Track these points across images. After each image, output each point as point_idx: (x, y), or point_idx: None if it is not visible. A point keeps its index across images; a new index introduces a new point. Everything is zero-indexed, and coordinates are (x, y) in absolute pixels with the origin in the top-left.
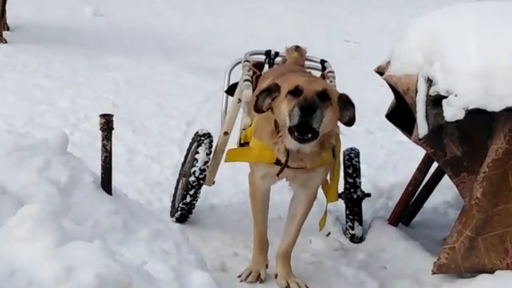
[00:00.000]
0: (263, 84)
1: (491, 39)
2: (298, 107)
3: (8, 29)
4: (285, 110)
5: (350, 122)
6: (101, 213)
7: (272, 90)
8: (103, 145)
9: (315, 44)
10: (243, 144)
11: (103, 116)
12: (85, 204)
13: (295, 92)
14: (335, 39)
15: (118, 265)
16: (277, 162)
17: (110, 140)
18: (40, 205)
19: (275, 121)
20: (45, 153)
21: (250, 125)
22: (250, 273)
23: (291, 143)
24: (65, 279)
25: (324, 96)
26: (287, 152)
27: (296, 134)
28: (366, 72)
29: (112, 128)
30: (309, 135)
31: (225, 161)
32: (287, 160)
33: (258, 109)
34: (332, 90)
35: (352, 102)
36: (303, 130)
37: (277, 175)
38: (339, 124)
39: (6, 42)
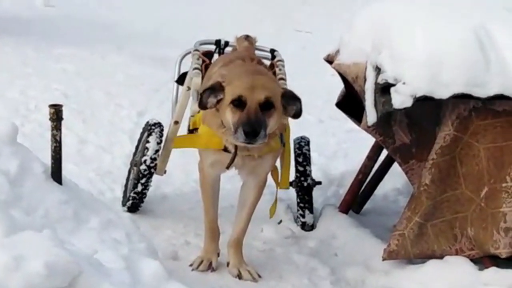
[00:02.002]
0: (212, 71)
1: (438, 27)
2: (242, 130)
3: None
4: (229, 119)
5: (296, 115)
6: (51, 203)
7: (216, 90)
8: (53, 135)
9: (266, 34)
10: (192, 130)
11: (52, 106)
12: (35, 194)
13: (238, 102)
14: (286, 29)
15: (67, 254)
16: (225, 149)
17: (60, 130)
18: None
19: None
20: None
21: (199, 112)
22: (201, 262)
23: (234, 141)
24: (14, 268)
25: (267, 105)
26: (235, 146)
27: (243, 140)
28: (317, 61)
29: (62, 118)
30: (256, 139)
31: (173, 147)
32: (235, 152)
33: (202, 106)
34: (274, 93)
35: (296, 97)
36: (250, 139)
37: (227, 168)
38: None
39: None
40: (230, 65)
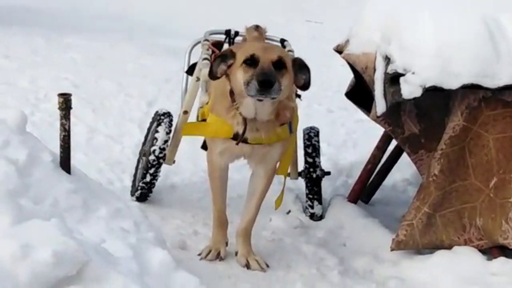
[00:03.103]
0: None
1: (448, 18)
2: (257, 81)
3: None
4: (241, 79)
5: (305, 86)
6: (60, 192)
7: (227, 57)
8: (62, 124)
9: (276, 24)
10: (201, 121)
11: (61, 95)
12: (43, 183)
13: (251, 61)
14: (296, 19)
15: (75, 243)
16: (234, 137)
17: (69, 119)
18: None
19: (231, 91)
20: (3, 132)
21: (207, 103)
22: (210, 251)
23: (249, 107)
24: (22, 257)
25: (279, 64)
26: (245, 122)
27: (256, 92)
28: (327, 52)
29: (71, 107)
30: (270, 92)
31: (182, 134)
32: (245, 129)
33: (212, 75)
34: (286, 56)
35: (307, 66)
36: (264, 89)
37: (237, 144)
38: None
39: None
40: (236, 46)
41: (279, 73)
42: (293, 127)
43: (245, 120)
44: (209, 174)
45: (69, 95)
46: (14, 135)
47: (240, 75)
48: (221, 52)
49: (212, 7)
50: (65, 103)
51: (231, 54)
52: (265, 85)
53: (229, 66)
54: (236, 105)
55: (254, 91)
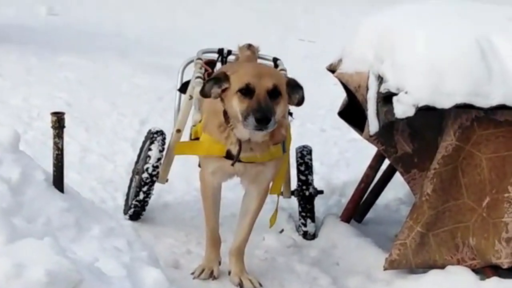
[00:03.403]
0: None
1: (440, 38)
2: (254, 118)
3: None
4: (237, 108)
5: (299, 103)
6: (53, 211)
7: (221, 80)
8: (55, 143)
9: (268, 43)
10: (193, 140)
11: (54, 114)
12: (36, 202)
13: (246, 90)
14: (289, 38)
15: (68, 262)
16: (227, 156)
17: (62, 138)
18: None
19: (224, 111)
20: None
21: (200, 121)
22: (203, 270)
23: (243, 132)
24: (15, 276)
25: (275, 92)
26: (239, 143)
27: (254, 127)
28: (320, 70)
29: (64, 126)
30: (267, 126)
31: (174, 153)
32: (239, 150)
33: (204, 94)
34: (281, 81)
35: (300, 85)
36: (262, 125)
37: (232, 165)
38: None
39: None
40: (228, 67)
41: (274, 101)
42: (286, 146)
43: (239, 141)
44: (202, 193)
45: (62, 113)
46: (7, 153)
47: (235, 104)
48: (214, 74)
49: (205, 26)
50: (58, 122)
51: (225, 77)
52: (263, 122)
53: (223, 90)
54: (230, 126)
55: (251, 126)
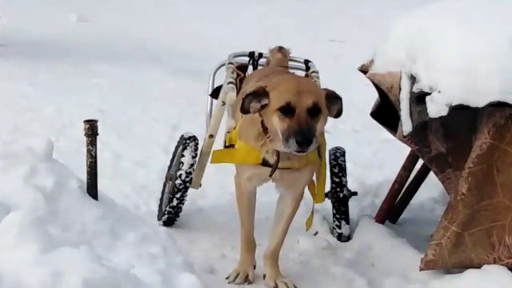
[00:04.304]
0: (247, 86)
1: (473, 36)
2: (295, 141)
3: None
4: (277, 127)
5: (338, 114)
6: (88, 219)
7: (260, 95)
8: (88, 151)
9: (299, 45)
10: (228, 146)
11: (87, 121)
12: (71, 210)
13: (287, 109)
14: (319, 39)
15: (105, 270)
16: (263, 163)
17: (95, 145)
18: (25, 212)
19: (262, 123)
20: (31, 160)
21: (235, 128)
22: (238, 275)
23: (283, 149)
24: (52, 285)
25: (315, 110)
26: (277, 152)
27: (296, 149)
28: (351, 71)
29: (97, 134)
30: (309, 148)
31: (211, 162)
32: (278, 160)
33: (244, 110)
34: (320, 97)
35: (338, 96)
36: (303, 148)
37: (270, 175)
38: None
39: None
40: (265, 79)
41: (314, 119)
42: (322, 151)
43: (277, 152)
44: (237, 198)
45: (95, 121)
46: (41, 162)
47: (275, 122)
48: (253, 90)
49: (235, 29)
50: (91, 129)
51: (264, 93)
52: (304, 145)
53: (263, 107)
54: (269, 138)
55: (293, 148)
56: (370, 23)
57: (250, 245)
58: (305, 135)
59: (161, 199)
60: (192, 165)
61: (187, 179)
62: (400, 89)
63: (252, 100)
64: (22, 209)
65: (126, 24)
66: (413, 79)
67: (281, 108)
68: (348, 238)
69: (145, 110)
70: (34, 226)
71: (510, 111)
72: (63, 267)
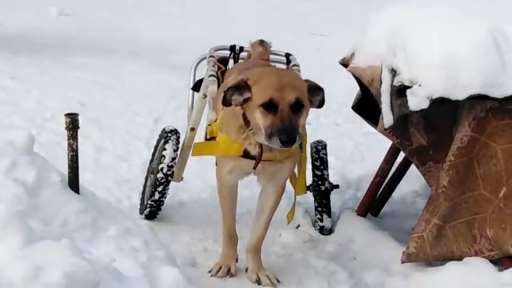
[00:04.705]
0: (228, 80)
1: (453, 29)
2: (279, 139)
3: None
4: (260, 121)
5: (320, 105)
6: (69, 212)
7: (242, 88)
8: (69, 144)
9: (280, 38)
10: (209, 139)
11: (68, 115)
12: (52, 204)
13: (269, 105)
14: (300, 33)
15: (86, 263)
16: (245, 155)
17: (76, 139)
18: (6, 206)
19: (244, 116)
20: (11, 153)
21: (216, 120)
22: (220, 268)
23: (266, 143)
24: (33, 278)
25: (298, 105)
26: (260, 144)
27: (279, 146)
28: (332, 64)
29: (78, 127)
30: (293, 146)
31: (192, 155)
32: (261, 152)
33: (226, 103)
34: (303, 92)
35: (320, 88)
36: (287, 146)
37: (254, 167)
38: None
39: None
40: (246, 72)
41: (297, 114)
42: (302, 143)
43: (260, 144)
44: (219, 191)
45: (76, 114)
46: (22, 156)
47: (258, 117)
48: (235, 83)
49: (216, 23)
50: (72, 123)
51: (245, 86)
52: (288, 143)
53: (245, 100)
54: (251, 131)
55: (276, 145)
56: (351, 17)
57: (232, 239)
58: (288, 133)
59: (143, 193)
60: (174, 158)
61: (169, 173)
62: (381, 82)
63: (234, 93)
64: (3, 203)
65: (107, 18)
66: (393, 72)
67: (264, 104)
68: (330, 231)
69: (126, 103)
70: (15, 219)
71: (490, 104)
72: (44, 261)
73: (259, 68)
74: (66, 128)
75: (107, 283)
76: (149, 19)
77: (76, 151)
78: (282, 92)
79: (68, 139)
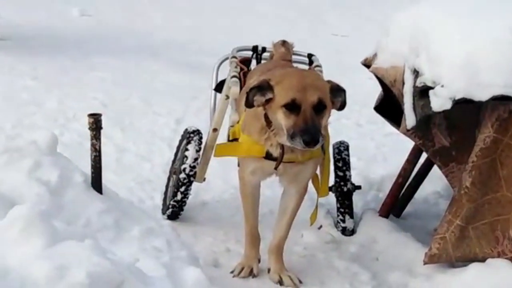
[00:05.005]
0: (250, 81)
1: (475, 29)
2: (302, 140)
3: None
4: (282, 122)
5: (342, 107)
6: (92, 213)
7: (264, 89)
8: (92, 145)
9: (302, 39)
10: (232, 140)
11: (91, 115)
12: (76, 204)
13: (292, 106)
14: (321, 33)
15: (109, 263)
16: (267, 157)
17: (99, 139)
18: (30, 206)
19: (266, 117)
20: (35, 154)
21: (238, 122)
22: (242, 269)
23: (286, 140)
24: (57, 278)
25: (320, 106)
26: (282, 145)
27: (302, 147)
28: (353, 65)
29: (101, 127)
30: (316, 146)
31: (214, 155)
32: (282, 154)
33: (249, 104)
34: (325, 92)
35: (342, 89)
36: (310, 147)
37: (275, 168)
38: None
39: None
40: (268, 73)
41: (320, 115)
42: (325, 145)
43: (282, 145)
44: (241, 192)
45: (99, 115)
46: (45, 156)
47: (280, 118)
48: (257, 83)
49: (237, 23)
50: (95, 123)
51: (268, 86)
52: (311, 144)
53: (268, 101)
54: (273, 131)
55: (299, 145)
56: (371, 17)
57: (254, 239)
58: (311, 134)
59: (165, 193)
60: (196, 159)
61: (191, 173)
62: (403, 83)
63: (256, 94)
64: (27, 203)
65: (127, 18)
66: (416, 73)
67: (286, 105)
68: (352, 232)
69: (148, 104)
70: (39, 219)
71: None
72: (68, 261)
73: (282, 69)
74: (89, 129)
75: (130, 283)
76: (166, 19)
77: (99, 151)
78: (304, 93)
79: (91, 139)
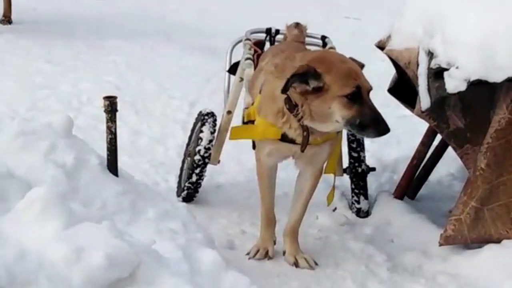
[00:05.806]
0: (263, 63)
1: (491, 10)
2: (376, 129)
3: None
4: (341, 113)
5: None
6: (109, 195)
7: (310, 77)
8: (108, 127)
9: (314, 22)
10: (246, 123)
11: (106, 98)
12: (92, 186)
13: (355, 96)
14: (334, 16)
15: (127, 245)
16: (283, 139)
17: (115, 122)
18: (47, 188)
19: (288, 100)
20: (50, 136)
21: (252, 104)
22: (258, 251)
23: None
24: (75, 260)
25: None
26: (307, 130)
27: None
28: (367, 47)
29: (116, 110)
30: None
31: (230, 138)
32: (308, 135)
33: (286, 91)
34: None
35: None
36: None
37: (302, 151)
38: None
39: (10, 23)
40: (281, 55)
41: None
42: None
43: (307, 128)
44: (258, 174)
45: (115, 97)
46: (61, 138)
47: (338, 109)
48: (302, 70)
49: (250, 6)
50: (111, 105)
51: (315, 75)
52: (388, 130)
53: (318, 90)
54: (299, 115)
55: (371, 135)
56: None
57: (270, 221)
58: (384, 122)
59: (180, 176)
60: (211, 141)
61: (206, 155)
62: (417, 64)
63: (301, 83)
64: (43, 185)
65: (141, 2)
66: (430, 54)
67: (349, 95)
68: (367, 213)
69: (162, 87)
70: (56, 201)
71: None
72: (85, 243)
73: (310, 52)
74: (104, 111)
75: (147, 265)
76: (179, 2)
77: (115, 134)
78: (361, 80)
79: (107, 122)
